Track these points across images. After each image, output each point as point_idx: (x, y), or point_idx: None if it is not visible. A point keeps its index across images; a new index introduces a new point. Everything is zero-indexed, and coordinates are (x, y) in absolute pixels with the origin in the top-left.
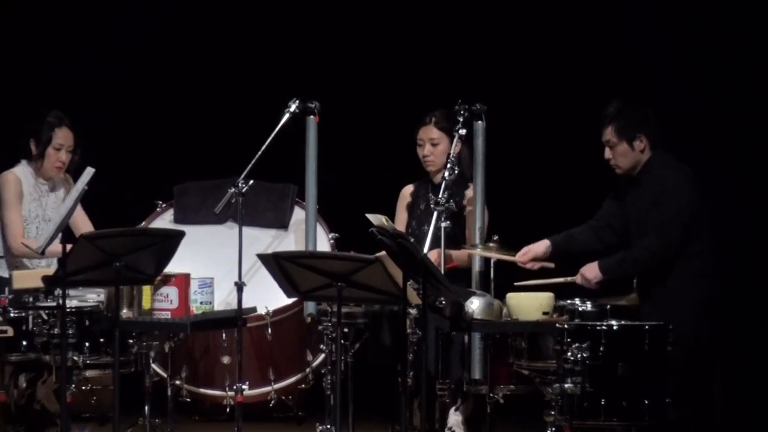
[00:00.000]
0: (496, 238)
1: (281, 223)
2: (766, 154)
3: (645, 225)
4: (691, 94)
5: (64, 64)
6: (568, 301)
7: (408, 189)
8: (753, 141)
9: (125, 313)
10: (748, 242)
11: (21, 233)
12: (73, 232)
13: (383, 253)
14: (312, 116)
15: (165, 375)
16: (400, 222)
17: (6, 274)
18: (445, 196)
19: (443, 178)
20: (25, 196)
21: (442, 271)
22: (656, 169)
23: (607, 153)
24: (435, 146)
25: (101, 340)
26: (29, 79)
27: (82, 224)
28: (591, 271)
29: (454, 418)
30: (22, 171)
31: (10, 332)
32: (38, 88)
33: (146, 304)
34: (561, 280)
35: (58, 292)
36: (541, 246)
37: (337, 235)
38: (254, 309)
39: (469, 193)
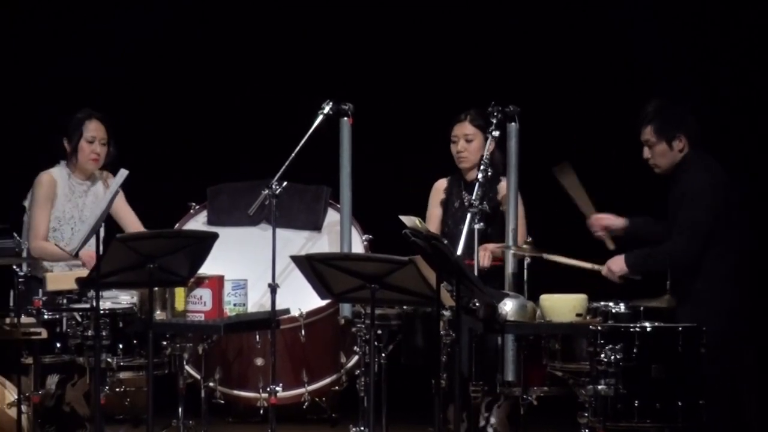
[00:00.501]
0: (530, 239)
1: (315, 224)
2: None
3: (674, 224)
4: (691, 95)
5: (78, 63)
6: (602, 303)
7: (441, 184)
8: (753, 141)
9: (159, 314)
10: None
11: (43, 235)
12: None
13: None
14: (345, 118)
15: (199, 377)
16: (433, 217)
17: (40, 276)
18: (479, 196)
19: (476, 177)
20: (60, 197)
21: (476, 273)
22: (689, 170)
23: (646, 153)
24: (469, 142)
25: (135, 341)
26: (29, 78)
27: (131, 224)
28: (617, 264)
29: (497, 415)
30: (58, 172)
31: (44, 334)
32: (50, 88)
33: (180, 305)
34: (588, 265)
35: (91, 293)
36: (620, 221)
37: (370, 236)
38: (288, 311)
39: (501, 189)
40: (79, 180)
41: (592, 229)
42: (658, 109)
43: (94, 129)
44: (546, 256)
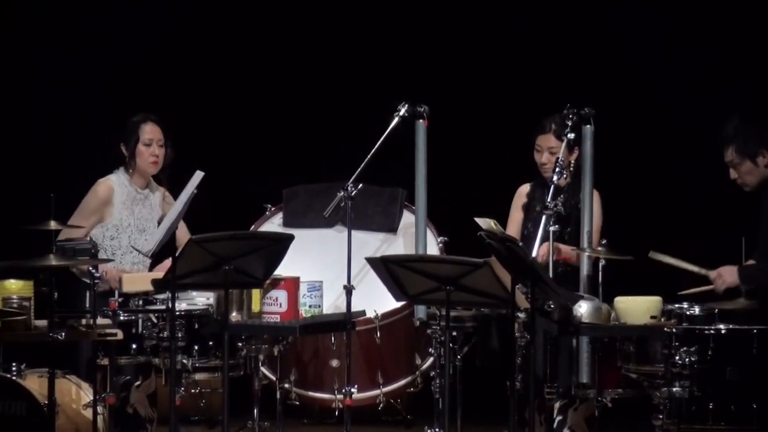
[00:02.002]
0: (604, 242)
1: (390, 226)
2: None
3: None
4: (691, 95)
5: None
6: (676, 305)
7: (524, 188)
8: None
9: (234, 316)
10: None
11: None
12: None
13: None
14: (421, 120)
15: (274, 378)
16: (514, 221)
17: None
18: (559, 199)
19: (552, 179)
20: (117, 205)
21: (550, 273)
22: None
23: (732, 174)
24: (553, 155)
25: (210, 343)
26: (29, 78)
27: (180, 232)
28: (730, 275)
29: (573, 418)
30: (117, 178)
31: (120, 335)
32: (50, 88)
33: (255, 307)
34: (696, 269)
35: (167, 295)
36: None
37: (446, 238)
38: (363, 312)
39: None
40: (137, 187)
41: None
42: (737, 128)
43: (150, 131)
44: (652, 254)
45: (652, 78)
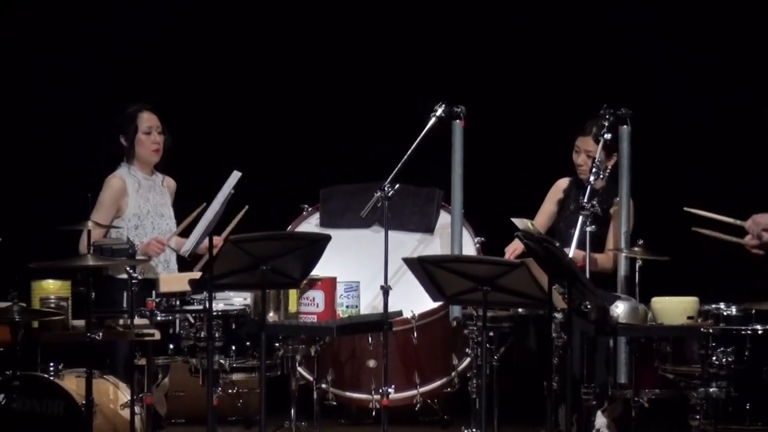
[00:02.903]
0: (641, 242)
1: (427, 227)
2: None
3: None
4: (691, 95)
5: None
6: (713, 306)
7: (563, 183)
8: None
9: (271, 316)
10: None
11: (99, 236)
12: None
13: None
14: (458, 120)
15: (311, 378)
16: (545, 212)
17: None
18: (594, 200)
19: (588, 180)
20: (131, 195)
21: (587, 274)
22: None
23: None
24: (590, 157)
25: (247, 343)
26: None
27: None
28: (764, 218)
29: (602, 419)
30: (124, 171)
31: (157, 335)
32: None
33: (292, 307)
34: (730, 220)
35: (204, 295)
36: None
37: (482, 239)
38: (400, 313)
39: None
40: (144, 175)
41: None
42: None
43: (148, 119)
44: (687, 208)
45: (652, 78)
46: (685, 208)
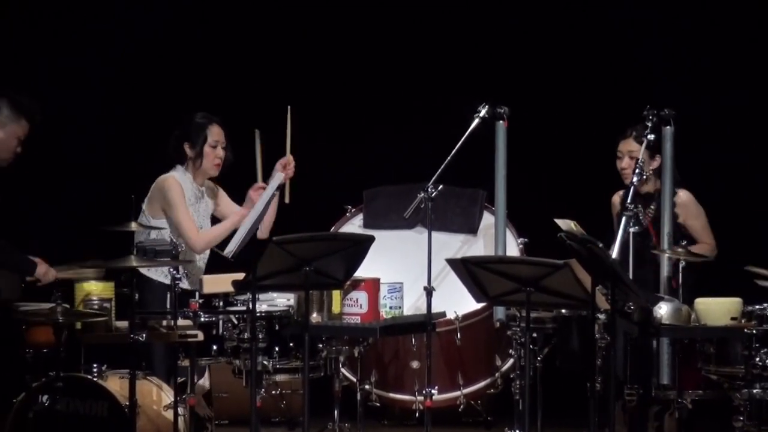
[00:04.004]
0: (684, 243)
1: (470, 227)
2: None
3: None
4: (691, 95)
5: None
6: (757, 306)
7: (616, 198)
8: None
9: (315, 317)
10: None
11: (197, 230)
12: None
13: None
14: (501, 121)
15: (354, 379)
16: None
17: (193, 286)
18: (652, 207)
19: (632, 181)
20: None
21: (630, 275)
22: None
23: None
24: (632, 159)
25: (291, 344)
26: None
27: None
28: None
29: (670, 423)
30: (180, 176)
31: (201, 337)
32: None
33: (336, 308)
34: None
35: (248, 296)
36: None
37: (526, 239)
38: (443, 314)
39: (677, 198)
40: (197, 185)
41: None
42: None
43: (216, 134)
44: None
45: (652, 78)
46: (747, 268)
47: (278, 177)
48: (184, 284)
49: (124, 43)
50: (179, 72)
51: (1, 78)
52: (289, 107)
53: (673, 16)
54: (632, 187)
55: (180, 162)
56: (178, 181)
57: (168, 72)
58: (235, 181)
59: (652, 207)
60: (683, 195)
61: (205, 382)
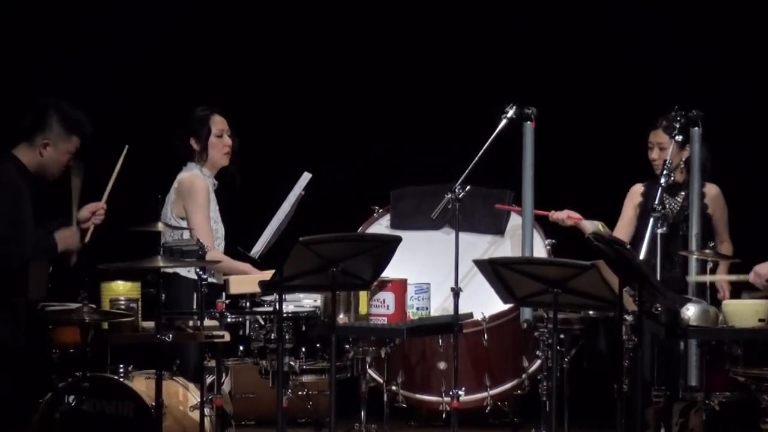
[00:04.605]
0: (711, 244)
1: (498, 228)
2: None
3: None
4: (691, 95)
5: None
6: None
7: (638, 188)
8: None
9: (341, 318)
10: None
11: (213, 240)
12: None
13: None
14: (529, 122)
15: (381, 380)
16: (625, 218)
17: (219, 281)
18: (679, 196)
19: (661, 183)
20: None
21: (658, 276)
22: None
23: None
24: (663, 150)
25: (317, 345)
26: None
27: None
28: (764, 267)
29: (695, 420)
30: (198, 173)
31: (227, 337)
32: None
33: (363, 309)
34: (734, 277)
35: (274, 297)
36: None
37: (553, 241)
38: (470, 315)
39: (706, 193)
40: (213, 179)
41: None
42: None
43: (220, 122)
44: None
45: (652, 78)
46: (689, 278)
47: (305, 177)
48: (213, 279)
49: (124, 43)
50: (180, 71)
51: (1, 78)
52: (126, 146)
53: (673, 16)
54: (660, 188)
55: (190, 159)
56: (204, 181)
57: (168, 72)
58: None
59: (678, 198)
60: (713, 189)
61: (229, 380)
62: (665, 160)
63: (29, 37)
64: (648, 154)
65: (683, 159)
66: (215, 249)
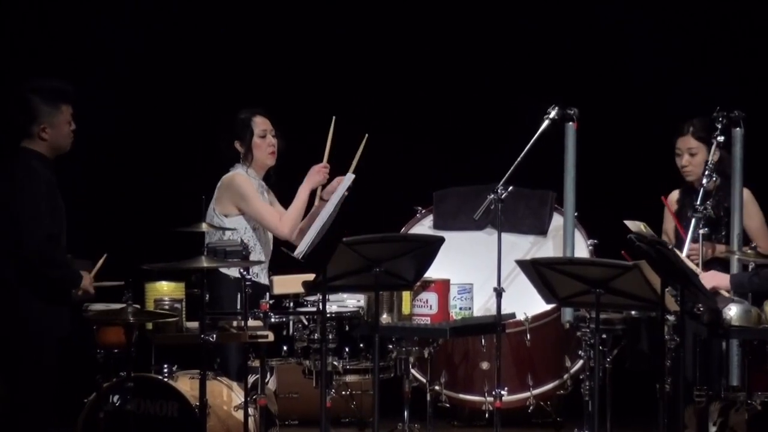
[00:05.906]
0: (754, 244)
1: (540, 229)
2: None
3: None
4: (691, 95)
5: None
6: None
7: (673, 196)
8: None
9: (385, 318)
10: None
11: (278, 215)
12: None
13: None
14: (571, 123)
15: (424, 380)
16: (666, 232)
17: (266, 281)
18: (708, 203)
19: (702, 183)
20: None
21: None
22: None
23: None
24: (693, 156)
25: (361, 345)
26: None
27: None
28: (718, 280)
29: (736, 418)
30: (242, 173)
31: (271, 337)
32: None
33: (406, 309)
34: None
35: (318, 297)
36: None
37: (595, 241)
38: (513, 315)
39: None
40: (260, 180)
41: None
42: None
43: (262, 123)
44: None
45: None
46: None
47: (348, 178)
48: (259, 279)
49: (127, 43)
50: (444, 79)
51: (0, 78)
52: (333, 118)
53: (672, 16)
54: (702, 189)
55: (237, 161)
56: (245, 175)
57: (433, 79)
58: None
59: (708, 204)
60: (745, 193)
61: (274, 379)
62: (706, 161)
63: (29, 37)
64: (676, 162)
65: (714, 161)
66: (284, 216)
